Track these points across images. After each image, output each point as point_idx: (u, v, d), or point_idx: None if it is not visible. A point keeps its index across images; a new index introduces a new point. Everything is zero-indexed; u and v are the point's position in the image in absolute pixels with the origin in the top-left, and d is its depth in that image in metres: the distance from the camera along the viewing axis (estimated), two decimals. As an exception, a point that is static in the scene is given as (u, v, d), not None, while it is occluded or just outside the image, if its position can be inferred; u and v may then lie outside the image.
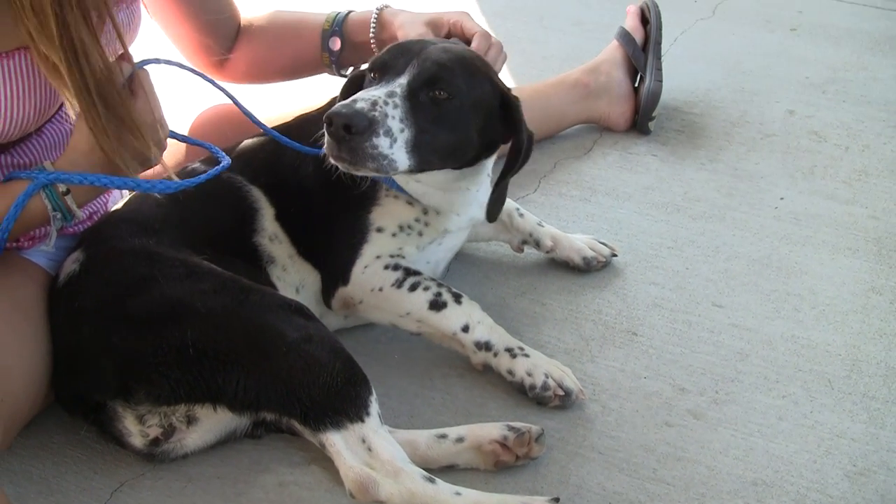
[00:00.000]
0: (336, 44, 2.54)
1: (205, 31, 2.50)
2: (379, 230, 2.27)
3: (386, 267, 2.26)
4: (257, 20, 2.61)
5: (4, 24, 1.84)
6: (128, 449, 2.03)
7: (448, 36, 2.42)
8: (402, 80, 2.05)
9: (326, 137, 1.99)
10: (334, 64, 2.59)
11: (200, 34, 2.49)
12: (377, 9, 2.52)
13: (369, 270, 2.26)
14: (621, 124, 3.24)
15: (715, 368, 2.32)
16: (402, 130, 2.01)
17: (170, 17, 2.47)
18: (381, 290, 2.25)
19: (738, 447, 2.12)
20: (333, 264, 2.30)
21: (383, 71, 2.09)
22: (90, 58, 1.84)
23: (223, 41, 2.55)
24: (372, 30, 2.50)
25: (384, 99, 2.00)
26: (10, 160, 2.08)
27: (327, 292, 2.32)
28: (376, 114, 1.97)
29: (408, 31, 2.42)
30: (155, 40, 2.48)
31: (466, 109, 2.11)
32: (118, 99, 1.90)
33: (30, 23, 1.80)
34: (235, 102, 2.26)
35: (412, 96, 2.04)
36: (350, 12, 2.57)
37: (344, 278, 2.28)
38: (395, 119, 2.00)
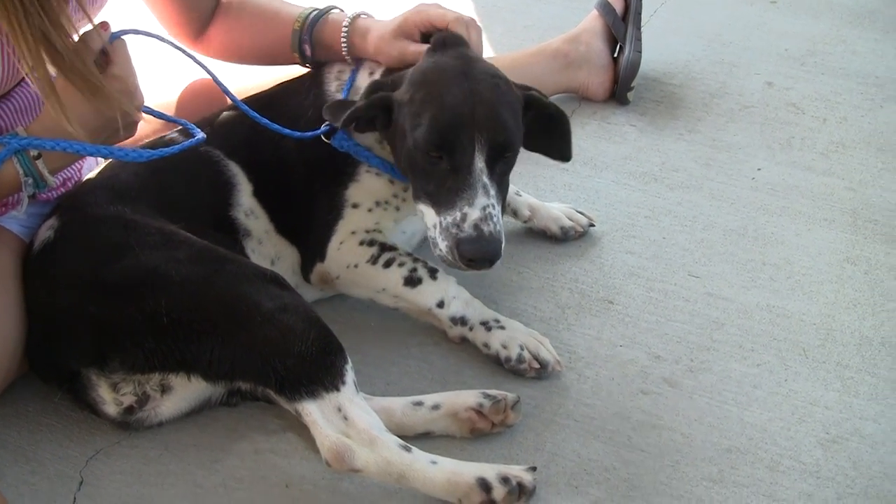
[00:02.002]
0: (307, 50, 2.44)
1: (182, 4, 2.47)
2: (355, 206, 2.28)
3: (361, 243, 2.26)
4: (234, 5, 2.54)
5: None
6: (102, 417, 2.03)
7: (424, 34, 2.32)
8: (480, 164, 2.04)
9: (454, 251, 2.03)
10: (308, 65, 2.49)
11: (178, 7, 2.46)
12: (348, 18, 2.39)
13: (345, 247, 2.27)
14: (600, 94, 3.24)
15: (690, 337, 2.33)
16: (497, 199, 2.07)
17: None
18: (356, 266, 2.26)
19: (712, 415, 2.14)
20: (310, 241, 2.31)
21: (450, 152, 2.04)
22: (51, 37, 1.82)
23: (200, 16, 2.51)
24: (343, 43, 2.38)
25: (492, 211, 2.02)
26: None
27: (305, 268, 2.33)
28: (500, 227, 2.03)
29: (384, 50, 2.32)
30: (136, 9, 2.46)
31: (520, 138, 2.14)
32: (86, 71, 1.88)
33: None
34: (216, 80, 2.24)
35: (491, 172, 2.05)
36: (321, 15, 2.43)
37: (321, 254, 2.29)
38: (497, 206, 2.05)
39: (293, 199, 2.30)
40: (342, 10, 2.45)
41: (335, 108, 2.18)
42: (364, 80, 2.33)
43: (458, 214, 2.01)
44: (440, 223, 2.05)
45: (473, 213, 2.00)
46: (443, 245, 2.05)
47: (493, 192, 2.03)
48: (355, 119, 2.13)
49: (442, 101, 2.05)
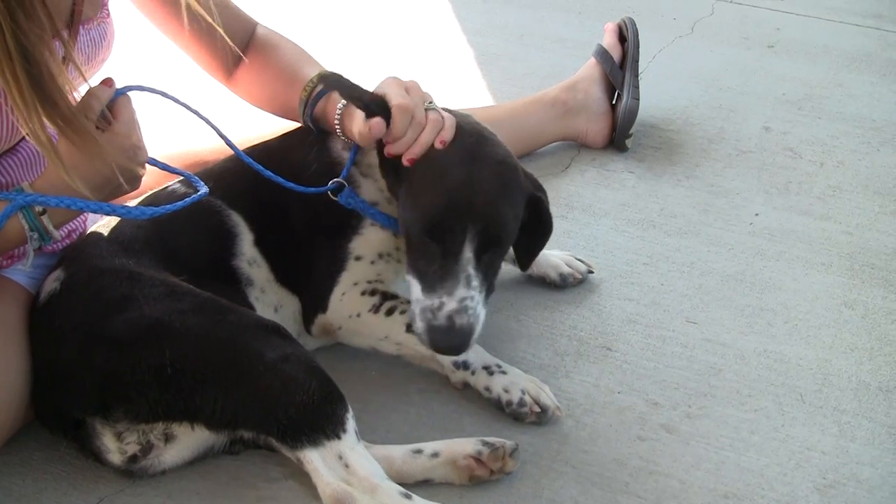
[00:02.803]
0: (310, 123, 2.37)
1: (210, 47, 2.45)
2: (358, 258, 2.30)
3: (363, 293, 2.29)
4: (265, 49, 2.51)
5: None
6: (106, 465, 2.05)
7: None
8: (468, 254, 2.06)
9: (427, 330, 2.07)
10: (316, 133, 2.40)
11: (206, 49, 2.46)
12: (340, 108, 2.27)
13: (347, 297, 2.29)
14: (599, 141, 3.27)
15: (688, 383, 2.35)
16: (481, 292, 2.09)
17: (173, 32, 2.43)
18: (358, 315, 2.29)
19: (709, 461, 2.15)
20: (313, 292, 2.33)
21: (441, 239, 2.07)
22: (50, 98, 1.86)
23: (228, 58, 2.48)
24: (337, 125, 2.29)
25: (469, 303, 2.05)
26: None
27: (307, 319, 2.35)
28: (474, 318, 2.06)
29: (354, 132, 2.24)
30: (139, 60, 2.49)
31: (515, 231, 2.18)
32: (87, 131, 1.93)
33: None
34: (219, 133, 2.26)
35: (479, 261, 2.08)
36: (323, 94, 2.34)
37: (322, 306, 2.31)
38: (477, 296, 2.08)
39: (294, 249, 2.32)
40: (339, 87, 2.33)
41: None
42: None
43: (436, 301, 2.06)
44: (421, 302, 2.09)
45: (450, 304, 2.04)
46: (419, 325, 2.09)
47: (475, 282, 2.07)
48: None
49: (441, 185, 2.08)
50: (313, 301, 2.33)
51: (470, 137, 2.17)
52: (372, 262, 2.30)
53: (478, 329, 2.08)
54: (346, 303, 2.29)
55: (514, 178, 2.16)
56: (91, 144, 1.93)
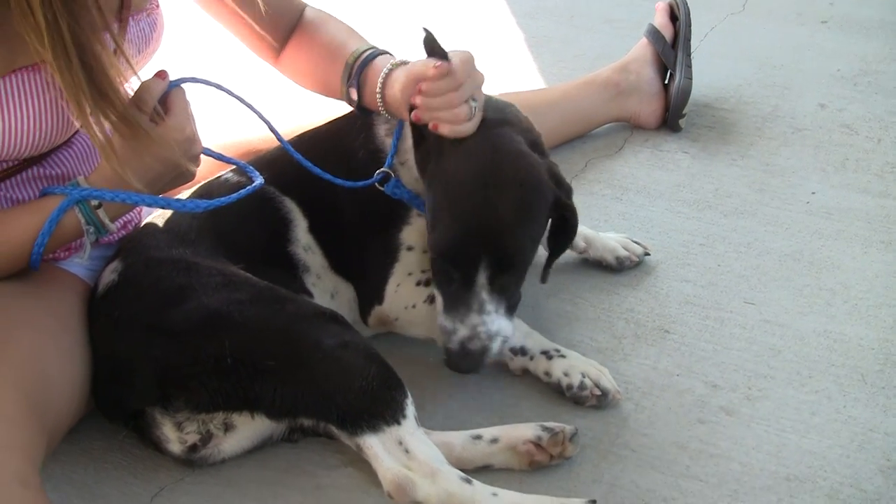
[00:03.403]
0: (353, 94, 2.33)
1: (256, 27, 2.42)
2: (409, 248, 2.30)
3: (418, 283, 2.29)
4: (311, 27, 2.48)
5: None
6: (166, 455, 2.07)
7: None
8: (482, 280, 2.06)
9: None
10: (357, 108, 2.36)
11: (254, 29, 2.43)
12: (387, 69, 2.24)
13: (402, 288, 2.30)
14: (652, 122, 3.25)
15: (747, 365, 2.33)
16: (495, 313, 2.09)
17: (222, 14, 2.43)
18: (414, 306, 2.29)
19: (770, 443, 2.13)
20: (367, 284, 2.34)
21: (455, 264, 2.06)
22: (104, 92, 1.88)
23: (276, 37, 2.47)
24: (378, 94, 2.26)
25: (481, 329, 2.07)
26: (43, 172, 2.13)
27: (364, 311, 2.36)
28: (488, 341, 2.09)
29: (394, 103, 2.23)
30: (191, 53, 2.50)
31: (533, 253, 2.16)
32: (141, 126, 1.94)
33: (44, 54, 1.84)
34: (268, 124, 2.27)
35: (493, 285, 2.07)
36: (374, 57, 2.31)
37: (378, 297, 2.32)
38: (489, 319, 2.08)
39: (347, 237, 2.32)
40: (391, 55, 2.33)
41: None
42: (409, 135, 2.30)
43: (450, 325, 2.08)
44: (441, 318, 2.11)
45: (462, 331, 2.06)
46: (439, 339, 2.14)
47: (489, 306, 2.07)
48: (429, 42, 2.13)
49: (457, 210, 2.06)
50: (369, 292, 2.33)
51: (489, 155, 2.09)
52: (424, 251, 2.28)
53: (495, 345, 2.09)
54: (402, 294, 2.30)
55: (533, 199, 2.10)
56: (144, 139, 1.94)
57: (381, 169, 2.26)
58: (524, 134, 2.19)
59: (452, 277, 2.08)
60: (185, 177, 2.07)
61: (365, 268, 2.33)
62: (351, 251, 2.33)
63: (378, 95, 2.24)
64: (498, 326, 2.09)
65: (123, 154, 1.94)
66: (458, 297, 2.08)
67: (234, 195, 2.13)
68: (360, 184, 2.25)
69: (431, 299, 2.26)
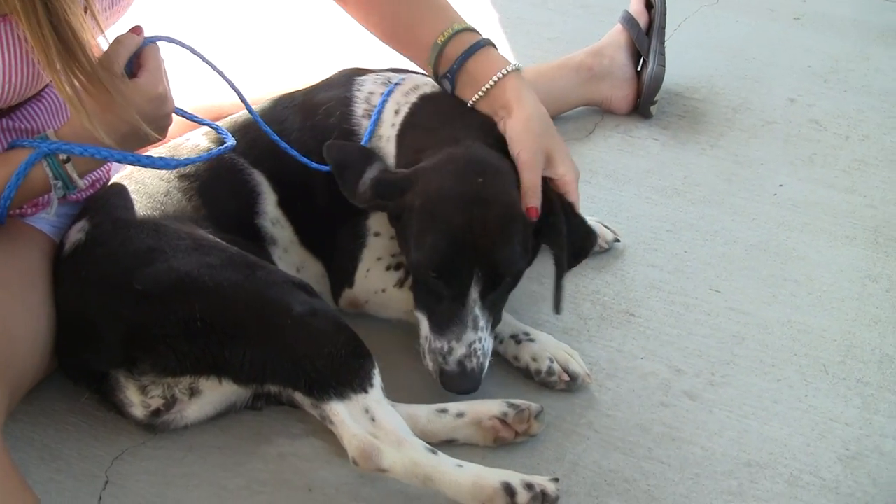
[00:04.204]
0: (446, 85, 2.31)
1: None
2: (377, 234, 2.29)
3: (388, 268, 2.29)
4: None
5: None
6: (128, 419, 2.05)
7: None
8: (475, 295, 2.03)
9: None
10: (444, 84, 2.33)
11: None
12: (500, 74, 2.23)
13: (371, 274, 2.29)
14: (623, 107, 3.26)
15: (711, 351, 2.35)
16: (486, 329, 2.07)
17: None
18: (383, 290, 2.30)
19: (732, 429, 2.15)
20: (338, 267, 2.33)
21: (447, 280, 2.02)
22: (73, 47, 1.84)
23: None
24: (480, 94, 2.25)
25: (477, 346, 2.04)
26: (11, 124, 2.09)
27: (335, 293, 2.35)
28: (484, 359, 2.06)
29: (520, 141, 2.17)
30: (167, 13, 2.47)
31: (524, 268, 2.12)
32: (112, 81, 1.91)
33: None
34: (241, 97, 2.25)
35: (485, 300, 2.05)
36: (479, 48, 2.28)
37: (349, 282, 2.31)
38: (484, 336, 2.06)
39: (316, 218, 2.31)
40: (495, 48, 2.32)
41: (341, 167, 2.15)
42: (390, 115, 2.29)
43: (445, 345, 2.04)
44: (430, 341, 2.07)
45: (459, 350, 2.03)
46: (429, 363, 2.09)
47: (482, 322, 2.05)
48: (360, 202, 2.12)
49: (446, 227, 2.01)
50: (340, 276, 2.33)
51: (473, 173, 2.07)
52: (392, 238, 2.27)
53: (486, 365, 2.07)
54: (372, 278, 2.30)
55: (515, 216, 2.06)
56: (115, 94, 1.91)
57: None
58: (497, 144, 2.19)
59: (442, 296, 2.04)
60: (159, 133, 2.04)
61: (335, 250, 2.32)
62: (322, 231, 2.32)
63: (479, 95, 2.25)
64: (490, 344, 2.09)
65: (93, 109, 1.90)
66: (449, 315, 2.04)
67: (206, 154, 2.12)
68: (328, 168, 2.20)
69: (401, 283, 2.27)
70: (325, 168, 2.19)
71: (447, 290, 2.03)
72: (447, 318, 2.04)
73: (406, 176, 2.09)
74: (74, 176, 1.98)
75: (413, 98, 2.31)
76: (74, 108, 1.90)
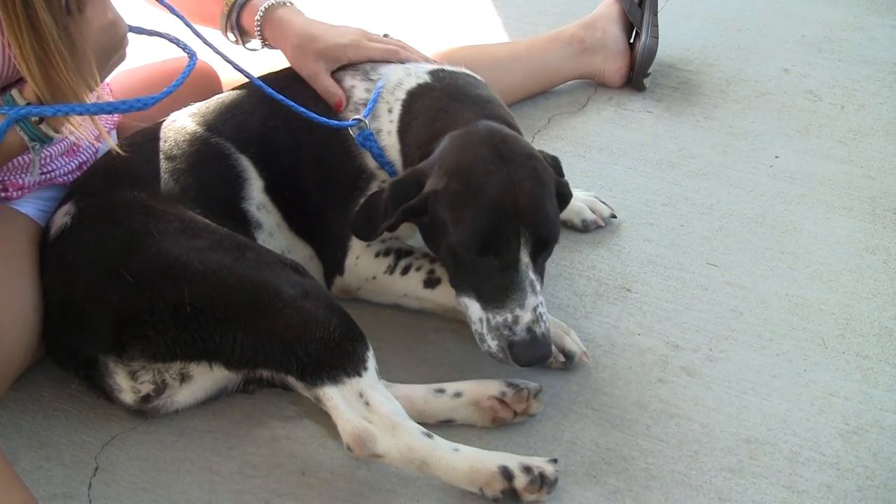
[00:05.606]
0: (231, 37, 2.47)
1: None
2: None
3: (377, 254, 2.27)
4: None
5: None
6: (117, 405, 2.03)
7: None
8: (526, 259, 1.99)
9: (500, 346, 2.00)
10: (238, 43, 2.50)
11: None
12: (264, 8, 2.40)
13: (361, 261, 2.27)
14: (616, 80, 3.22)
15: (709, 326, 2.32)
16: (544, 304, 2.02)
17: None
18: (374, 278, 2.27)
19: (731, 404, 2.12)
20: (328, 255, 2.31)
21: (496, 251, 1.98)
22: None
23: None
24: (257, 30, 2.42)
25: (542, 310, 1.99)
26: None
27: (327, 280, 2.33)
28: (549, 324, 2.02)
29: (298, 63, 2.36)
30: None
31: (559, 226, 2.11)
32: (59, 34, 1.83)
33: None
34: (232, 63, 2.22)
35: (535, 265, 2.02)
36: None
37: (339, 269, 2.29)
38: (543, 301, 2.01)
39: (306, 204, 2.28)
40: None
41: (364, 223, 2.13)
42: (384, 115, 2.27)
43: (508, 316, 1.98)
44: (488, 320, 2.01)
45: (526, 316, 1.97)
46: (492, 343, 2.01)
47: (538, 286, 2.01)
48: (389, 228, 2.09)
49: (483, 194, 1.99)
50: (330, 264, 2.31)
51: (489, 138, 2.07)
52: None
53: (549, 332, 2.03)
54: (362, 266, 2.27)
55: (544, 170, 2.08)
56: (75, 36, 1.86)
57: (357, 116, 2.23)
58: (501, 120, 2.17)
59: (491, 271, 1.99)
60: (120, 58, 2.01)
61: (324, 237, 2.30)
62: (310, 217, 2.29)
63: (257, 29, 2.41)
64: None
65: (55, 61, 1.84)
66: (504, 286, 1.99)
67: (179, 78, 2.03)
68: (335, 123, 2.21)
69: (391, 270, 2.25)
70: (327, 121, 2.21)
71: (497, 260, 1.99)
72: (503, 290, 1.99)
73: (422, 168, 2.08)
74: (49, 131, 1.92)
75: (401, 95, 2.28)
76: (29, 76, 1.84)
